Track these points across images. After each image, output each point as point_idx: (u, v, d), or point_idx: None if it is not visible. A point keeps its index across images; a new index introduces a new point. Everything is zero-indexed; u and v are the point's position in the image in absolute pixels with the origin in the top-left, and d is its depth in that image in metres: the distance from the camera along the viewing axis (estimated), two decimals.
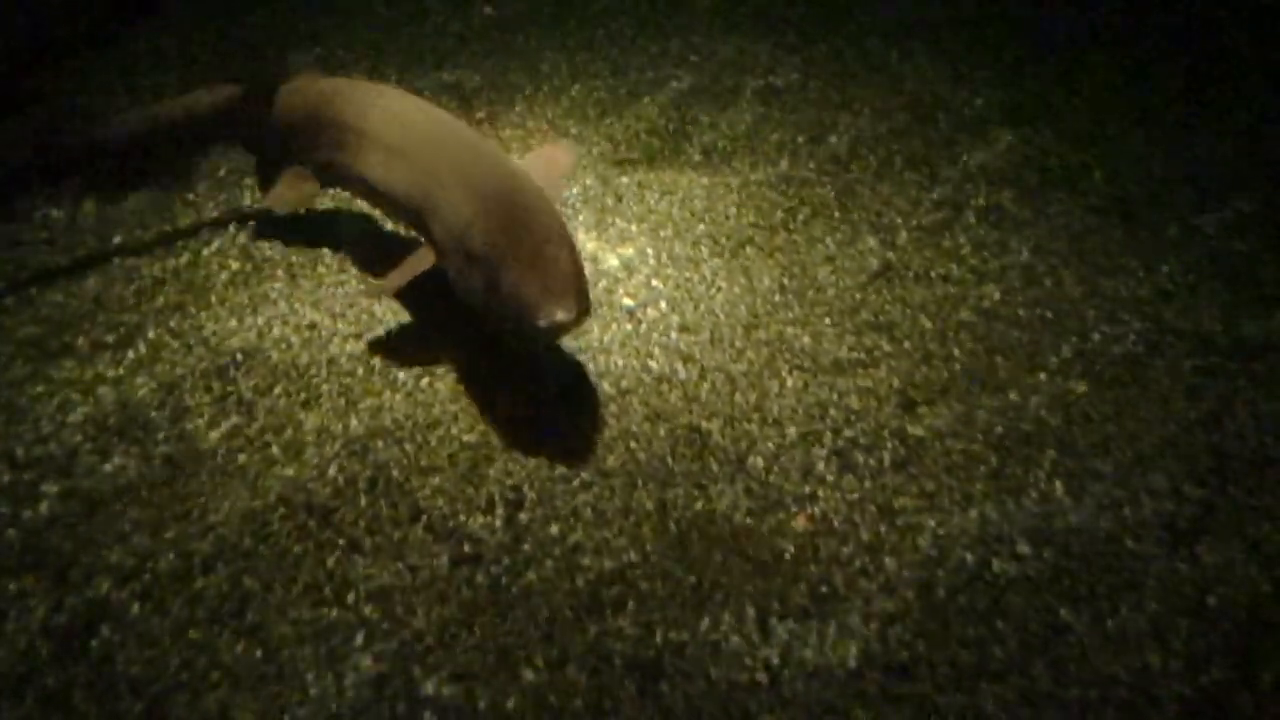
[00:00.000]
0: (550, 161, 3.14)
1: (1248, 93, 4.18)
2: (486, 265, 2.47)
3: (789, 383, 2.81)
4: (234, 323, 3.16)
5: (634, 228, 3.56)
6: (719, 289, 3.21)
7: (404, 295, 3.26)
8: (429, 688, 2.01)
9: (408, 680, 2.02)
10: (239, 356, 3.00)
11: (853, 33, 4.99)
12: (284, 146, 3.40)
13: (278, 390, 2.86)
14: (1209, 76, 4.34)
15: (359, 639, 2.12)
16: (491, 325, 2.61)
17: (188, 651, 2.10)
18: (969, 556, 2.26)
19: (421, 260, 2.79)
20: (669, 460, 2.56)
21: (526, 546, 2.33)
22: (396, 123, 3.05)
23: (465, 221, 2.59)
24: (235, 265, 3.47)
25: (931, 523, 2.35)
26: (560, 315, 2.30)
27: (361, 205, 3.82)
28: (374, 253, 3.51)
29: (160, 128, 3.53)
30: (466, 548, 2.33)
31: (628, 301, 3.18)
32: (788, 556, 2.29)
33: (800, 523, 2.39)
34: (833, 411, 2.70)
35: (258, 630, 2.15)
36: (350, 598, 2.22)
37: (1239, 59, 4.46)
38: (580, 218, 3.64)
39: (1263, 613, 2.06)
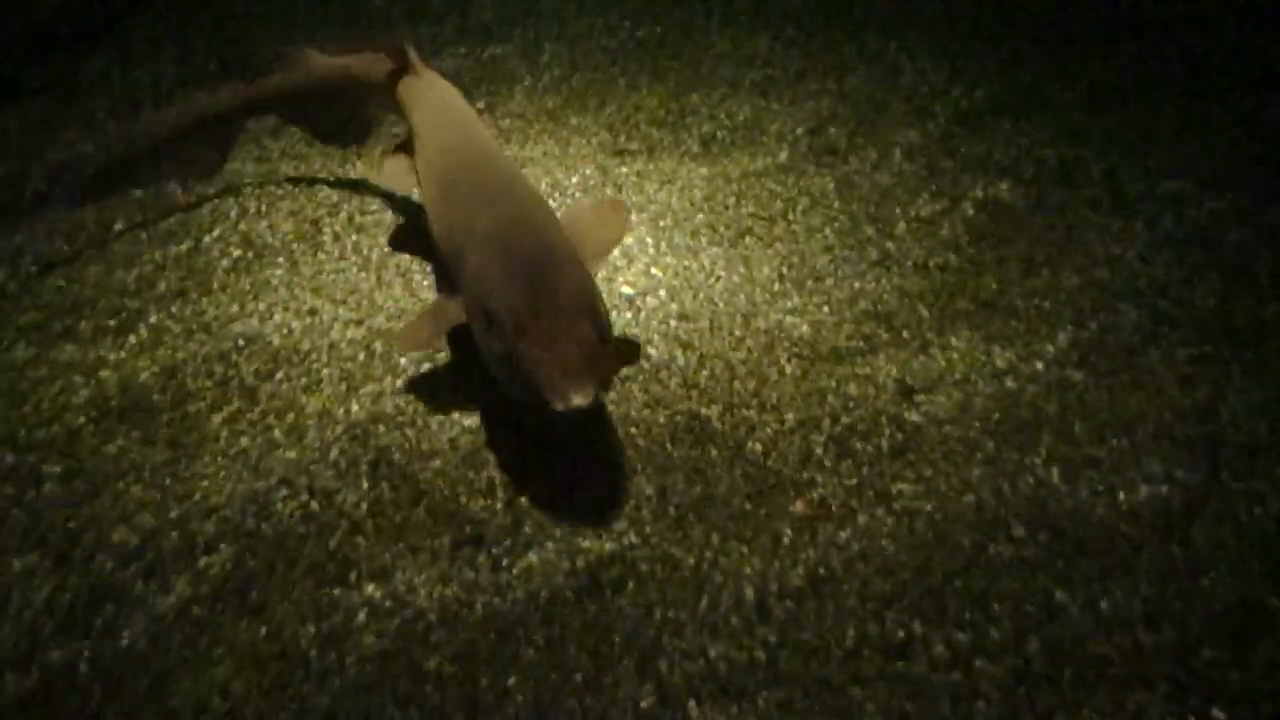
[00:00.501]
0: (600, 220, 2.94)
1: (1243, 87, 4.20)
2: (506, 334, 2.34)
3: (788, 370, 2.83)
4: (235, 308, 3.18)
5: (633, 217, 3.57)
6: (718, 278, 3.23)
7: (405, 282, 3.29)
8: (431, 664, 2.03)
9: (410, 658, 2.05)
10: (240, 342, 3.02)
11: (850, 26, 5.00)
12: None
13: (279, 375, 2.88)
14: (1205, 70, 4.36)
15: (361, 617, 2.14)
16: (506, 390, 2.48)
17: (191, 629, 2.12)
18: (965, 540, 2.28)
19: (451, 315, 2.66)
20: (668, 446, 2.58)
21: (527, 529, 2.35)
22: (454, 154, 2.97)
23: (491, 283, 2.46)
24: (236, 252, 3.48)
25: (928, 507, 2.38)
26: (576, 400, 2.18)
27: (365, 193, 3.84)
28: (377, 241, 3.53)
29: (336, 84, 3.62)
30: (468, 529, 2.35)
31: (627, 290, 3.20)
32: (786, 540, 2.32)
33: (798, 507, 2.42)
34: (831, 399, 2.72)
35: (261, 609, 2.17)
36: (352, 577, 2.24)
37: (1234, 53, 4.48)
38: None
39: (1255, 595, 2.09)
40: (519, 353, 2.29)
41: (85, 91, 4.96)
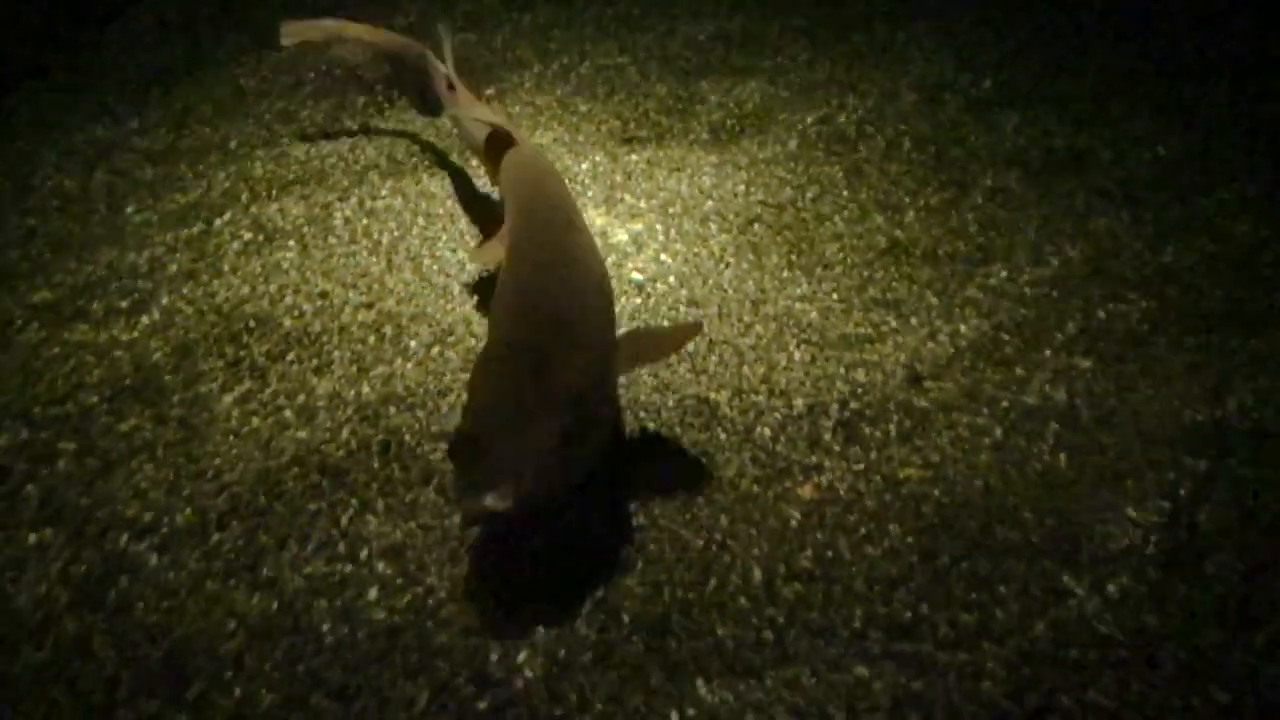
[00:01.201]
0: (666, 333, 2.77)
1: (1251, 77, 4.20)
2: (468, 407, 2.15)
3: (796, 356, 2.84)
4: (246, 290, 3.20)
5: (643, 204, 3.59)
6: (727, 264, 3.24)
7: (415, 266, 3.30)
8: (442, 639, 2.05)
9: (420, 632, 2.06)
10: (251, 323, 3.04)
11: (859, 14, 5.01)
12: None
13: (290, 356, 2.90)
14: (1213, 60, 4.36)
15: (373, 593, 2.16)
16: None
17: (204, 602, 2.14)
18: (973, 524, 2.29)
19: None
20: (677, 429, 2.60)
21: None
22: (535, 235, 2.69)
23: (489, 353, 2.30)
24: (247, 235, 3.51)
25: (936, 492, 2.38)
26: (484, 502, 1.94)
27: (375, 178, 3.86)
28: (387, 226, 3.55)
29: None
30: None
31: (636, 275, 3.21)
32: (794, 523, 2.33)
33: (806, 491, 2.43)
34: (839, 385, 2.73)
35: (273, 583, 2.19)
36: (364, 554, 2.25)
37: (1242, 43, 4.47)
38: (590, 194, 3.67)
39: (1259, 577, 2.10)
40: (464, 431, 2.09)
41: (95, 76, 4.99)
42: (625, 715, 1.90)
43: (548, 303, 2.40)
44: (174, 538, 2.31)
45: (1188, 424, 2.52)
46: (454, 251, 3.37)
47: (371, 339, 2.96)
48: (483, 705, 1.93)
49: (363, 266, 3.31)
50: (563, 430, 2.05)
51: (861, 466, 2.47)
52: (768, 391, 2.71)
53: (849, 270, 3.19)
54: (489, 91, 4.47)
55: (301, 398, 2.74)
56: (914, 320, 2.95)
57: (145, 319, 3.09)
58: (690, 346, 2.87)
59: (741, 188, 3.65)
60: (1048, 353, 2.80)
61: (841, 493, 2.40)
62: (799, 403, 2.67)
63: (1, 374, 2.86)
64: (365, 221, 3.56)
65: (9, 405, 2.74)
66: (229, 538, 2.30)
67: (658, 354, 2.68)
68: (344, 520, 2.34)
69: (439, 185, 3.79)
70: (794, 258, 3.26)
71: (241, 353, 2.92)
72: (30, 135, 4.39)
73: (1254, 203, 3.39)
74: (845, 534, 2.29)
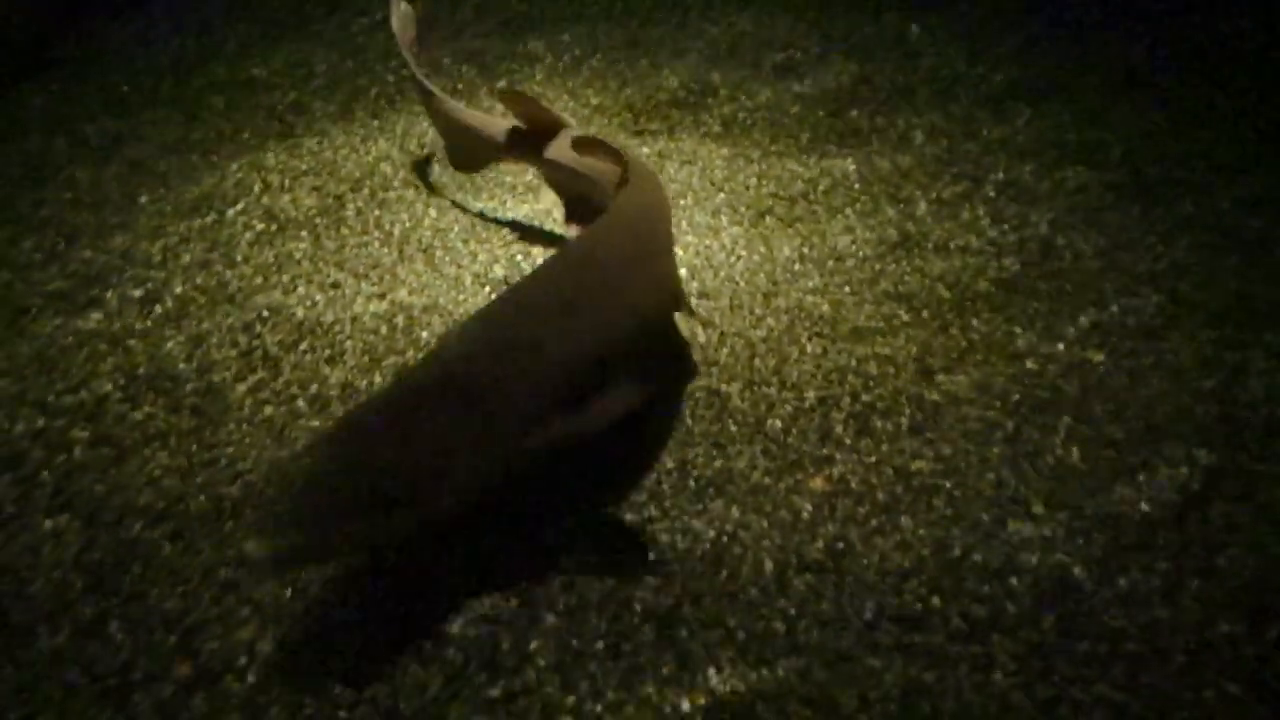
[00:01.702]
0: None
1: (1261, 72, 4.18)
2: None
3: (808, 349, 2.84)
4: (259, 280, 3.21)
5: None
6: (739, 257, 3.24)
7: (427, 257, 3.31)
8: (454, 628, 2.05)
9: (434, 621, 2.07)
10: (264, 313, 3.05)
11: (870, 8, 5.00)
12: None
13: (302, 346, 2.91)
14: (1224, 55, 4.34)
15: (385, 580, 2.17)
16: None
17: (218, 589, 2.16)
18: (984, 516, 2.29)
19: None
20: (689, 421, 2.60)
21: (548, 499, 2.37)
22: (584, 257, 2.51)
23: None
24: (260, 225, 3.52)
25: (947, 484, 2.38)
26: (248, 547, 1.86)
27: (388, 170, 3.86)
28: (399, 217, 3.56)
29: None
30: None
31: None
32: (805, 515, 2.33)
33: (818, 483, 2.43)
34: (851, 377, 2.73)
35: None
36: None
37: (1253, 38, 4.45)
38: None
39: (1271, 571, 2.10)
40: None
41: (108, 68, 5.01)
42: (637, 704, 1.91)
43: (532, 334, 2.24)
44: (188, 525, 2.32)
45: (1200, 417, 2.52)
46: (465, 242, 3.38)
47: (383, 329, 2.97)
48: (495, 693, 1.93)
49: (375, 257, 3.32)
50: (400, 485, 1.96)
51: (873, 459, 2.47)
52: (779, 384, 2.71)
53: (861, 263, 3.19)
54: (499, 84, 4.47)
55: (314, 387, 2.75)
56: (925, 313, 2.95)
57: (159, 308, 3.10)
58: (702, 339, 2.88)
59: (753, 180, 3.65)
60: (1060, 346, 2.79)
61: (853, 485, 2.40)
62: (810, 395, 2.67)
63: (16, 362, 2.88)
64: (377, 212, 3.57)
65: (24, 393, 2.76)
66: (242, 526, 2.31)
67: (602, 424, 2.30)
68: None
69: (450, 176, 3.80)
70: (805, 250, 3.26)
71: (254, 342, 2.93)
72: (43, 126, 4.41)
73: (1265, 197, 3.37)
74: (856, 526, 2.30)
